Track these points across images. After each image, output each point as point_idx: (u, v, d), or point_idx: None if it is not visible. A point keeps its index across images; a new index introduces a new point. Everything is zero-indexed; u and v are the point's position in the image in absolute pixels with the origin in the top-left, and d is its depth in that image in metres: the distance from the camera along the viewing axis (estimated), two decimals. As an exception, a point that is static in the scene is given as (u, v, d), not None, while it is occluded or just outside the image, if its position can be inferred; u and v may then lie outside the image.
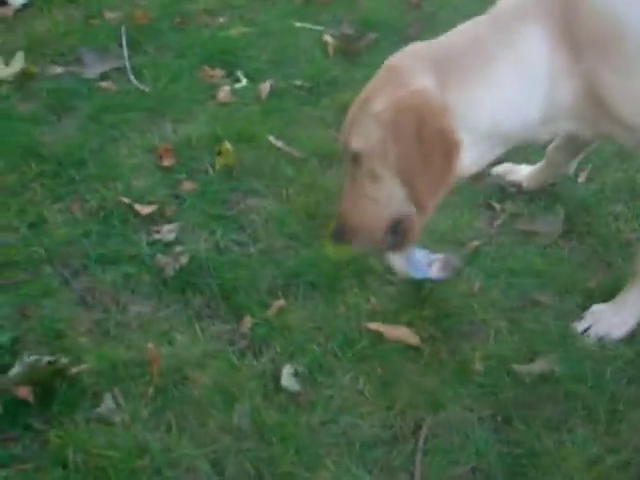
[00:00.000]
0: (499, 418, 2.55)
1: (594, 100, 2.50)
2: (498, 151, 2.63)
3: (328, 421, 2.52)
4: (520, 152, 3.38)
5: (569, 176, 3.49)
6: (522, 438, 2.47)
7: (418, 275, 2.86)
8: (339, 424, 2.51)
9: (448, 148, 2.42)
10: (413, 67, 2.48)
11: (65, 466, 2.32)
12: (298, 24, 4.51)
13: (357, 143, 2.50)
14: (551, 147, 3.30)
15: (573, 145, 3.24)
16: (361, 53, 4.25)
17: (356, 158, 2.52)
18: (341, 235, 2.66)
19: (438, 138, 2.41)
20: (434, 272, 2.88)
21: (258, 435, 2.46)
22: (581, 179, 3.51)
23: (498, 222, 3.28)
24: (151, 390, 2.55)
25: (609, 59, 2.46)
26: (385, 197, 2.57)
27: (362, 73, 3.99)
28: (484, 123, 2.50)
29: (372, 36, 4.42)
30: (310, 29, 4.47)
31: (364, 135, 2.50)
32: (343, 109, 3.56)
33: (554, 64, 2.48)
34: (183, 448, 2.40)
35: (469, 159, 2.51)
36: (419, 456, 2.43)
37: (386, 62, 2.57)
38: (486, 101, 2.48)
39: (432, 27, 4.38)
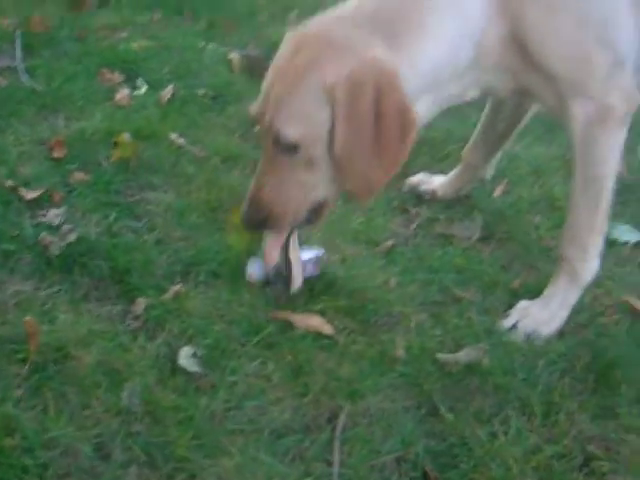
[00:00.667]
0: (424, 409, 2.31)
1: (519, 45, 2.37)
2: (436, 108, 2.47)
3: (232, 407, 2.23)
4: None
5: (484, 189, 3.33)
6: (451, 429, 2.24)
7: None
8: (244, 410, 2.22)
9: (406, 125, 2.22)
10: (357, 36, 2.24)
11: None
12: (202, 43, 4.27)
13: (294, 131, 2.22)
14: (467, 148, 3.15)
15: (490, 140, 3.11)
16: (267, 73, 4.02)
17: (289, 147, 2.26)
18: (257, 222, 2.42)
19: (396, 114, 2.20)
20: (309, 271, 2.63)
21: (150, 418, 2.15)
22: (497, 193, 3.35)
23: (414, 225, 3.09)
24: (26, 368, 2.20)
25: None
26: (315, 182, 2.35)
27: (269, 90, 3.80)
28: (428, 76, 2.34)
29: (280, 59, 4.20)
30: (215, 49, 4.24)
31: (303, 119, 2.23)
32: (248, 120, 3.41)
33: (484, 6, 2.35)
34: (61, 429, 2.03)
35: (421, 109, 2.35)
36: (337, 444, 2.15)
37: (312, 31, 2.31)
38: (429, 53, 2.33)
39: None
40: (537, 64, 2.40)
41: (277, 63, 2.33)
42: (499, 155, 3.19)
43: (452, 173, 3.25)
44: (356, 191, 2.35)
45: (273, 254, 2.50)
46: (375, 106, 2.17)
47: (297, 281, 2.57)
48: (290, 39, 2.35)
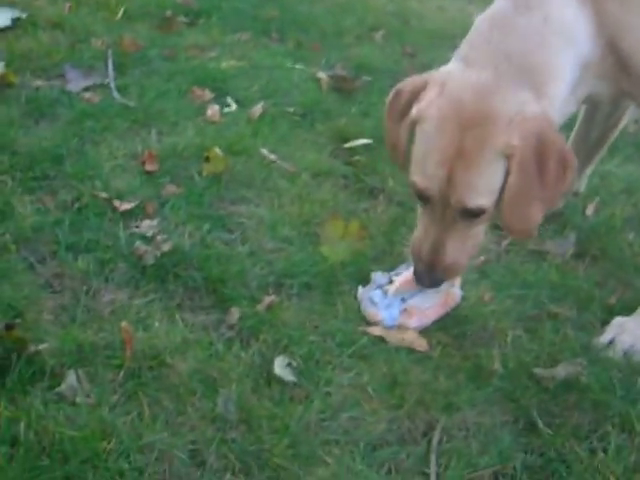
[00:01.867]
0: (522, 423, 2.28)
1: (617, 53, 2.37)
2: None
3: (327, 417, 2.22)
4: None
5: (576, 207, 3.28)
6: (549, 445, 2.20)
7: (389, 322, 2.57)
8: (339, 421, 2.21)
9: (565, 166, 2.27)
10: (510, 100, 2.25)
11: (14, 443, 1.95)
12: (290, 63, 4.29)
13: (485, 201, 2.28)
14: None
15: (583, 151, 3.06)
16: (356, 91, 4.05)
17: (473, 213, 2.30)
18: (440, 280, 2.45)
19: (558, 161, 2.24)
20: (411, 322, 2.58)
21: (245, 425, 2.15)
22: (589, 210, 3.29)
23: (506, 241, 3.01)
24: (122, 374, 2.22)
25: (628, 9, 2.35)
26: (484, 231, 2.43)
27: (357, 108, 3.85)
28: (559, 112, 2.39)
29: (366, 78, 4.22)
30: (303, 69, 4.26)
31: (490, 191, 2.27)
32: (338, 136, 3.42)
33: (587, 29, 2.35)
34: (156, 434, 2.04)
35: None
36: (434, 457, 2.13)
37: (467, 111, 2.24)
38: (562, 94, 2.36)
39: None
40: (635, 69, 2.38)
41: (445, 143, 2.25)
42: (591, 169, 3.15)
43: None
44: (516, 231, 2.39)
45: None
46: (541, 154, 2.22)
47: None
48: (446, 110, 2.27)
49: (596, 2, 2.33)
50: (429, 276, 2.41)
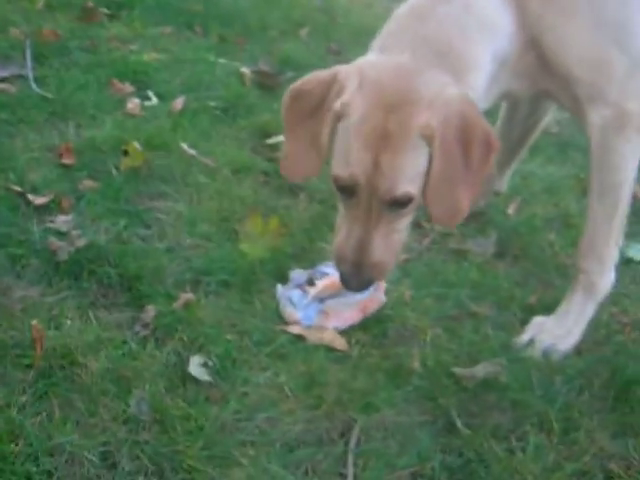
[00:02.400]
0: (440, 423, 2.25)
1: (538, 50, 2.36)
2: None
3: (243, 418, 2.17)
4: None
5: (498, 207, 3.28)
6: (468, 445, 2.18)
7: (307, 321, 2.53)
8: (255, 421, 2.16)
9: (489, 149, 2.21)
10: (431, 82, 2.20)
11: None
12: (213, 57, 4.23)
13: (412, 188, 2.19)
14: None
15: (505, 150, 3.04)
16: (279, 87, 3.99)
17: (406, 202, 2.21)
18: (369, 281, 2.29)
19: (482, 139, 2.19)
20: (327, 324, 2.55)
21: (159, 426, 2.09)
22: (511, 210, 3.31)
23: (428, 240, 3.00)
24: (32, 373, 2.14)
25: (555, 2, 2.34)
26: (409, 222, 2.31)
27: (280, 104, 3.76)
28: (483, 93, 2.36)
29: (290, 74, 4.17)
30: (226, 63, 4.20)
31: (417, 175, 2.19)
32: (260, 132, 3.38)
33: (510, 22, 2.34)
34: (66, 436, 1.97)
35: None
36: (351, 458, 2.10)
37: (382, 84, 2.19)
38: (481, 83, 2.34)
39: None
40: (555, 68, 2.38)
41: (368, 128, 2.17)
42: (513, 169, 3.16)
43: None
44: (443, 218, 2.29)
45: None
46: (464, 136, 2.17)
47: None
48: (369, 97, 2.19)
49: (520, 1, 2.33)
50: (357, 278, 2.27)
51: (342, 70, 2.23)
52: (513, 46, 2.36)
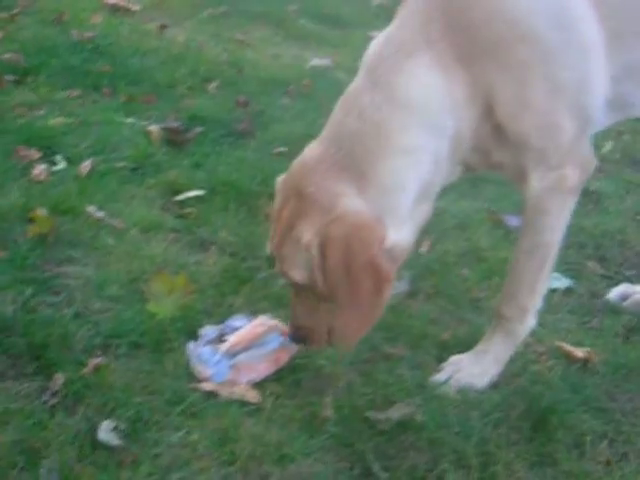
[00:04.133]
0: (357, 469, 2.27)
1: (492, 123, 2.31)
2: (429, 210, 2.42)
3: None
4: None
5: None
6: (385, 488, 2.15)
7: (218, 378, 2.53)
8: (169, 482, 2.11)
9: (378, 282, 2.23)
10: (326, 186, 2.23)
11: None
12: (121, 117, 4.24)
13: (294, 274, 2.30)
14: None
15: None
16: (187, 143, 4.02)
17: (298, 285, 2.34)
18: (302, 341, 2.49)
19: (367, 271, 2.20)
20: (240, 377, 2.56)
21: (70, 496, 2.03)
22: (423, 248, 3.34)
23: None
24: (-64, 452, 2.08)
25: (508, 67, 2.25)
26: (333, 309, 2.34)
27: (189, 160, 3.83)
28: (410, 196, 2.30)
29: (199, 129, 4.20)
30: (134, 122, 4.21)
31: (297, 267, 2.29)
32: (169, 189, 3.39)
33: (452, 99, 2.26)
34: (-25, 515, 1.94)
35: (410, 234, 2.36)
36: (267, 512, 2.06)
37: (292, 181, 2.31)
38: (403, 176, 2.28)
39: (260, 123, 4.28)
40: (510, 137, 2.33)
41: (275, 210, 2.36)
42: None
43: None
44: (341, 335, 2.38)
45: None
46: (347, 265, 2.20)
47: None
48: (280, 184, 2.38)
49: (469, 69, 2.24)
50: (293, 333, 2.48)
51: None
52: (463, 125, 2.29)
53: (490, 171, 2.64)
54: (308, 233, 2.20)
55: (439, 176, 2.35)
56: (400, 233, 2.29)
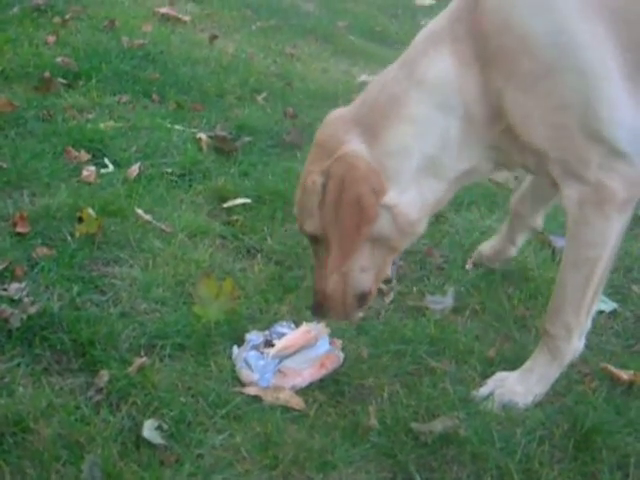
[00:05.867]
0: (400, 479, 2.24)
1: (506, 125, 2.37)
2: (438, 190, 2.49)
3: (198, 480, 2.10)
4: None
5: (456, 262, 3.30)
6: (427, 500, 2.13)
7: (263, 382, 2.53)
8: (211, 484, 2.10)
9: (360, 219, 2.36)
10: (337, 135, 2.45)
11: None
12: (170, 124, 4.26)
13: (307, 225, 2.51)
14: (515, 197, 3.17)
15: (539, 187, 3.04)
16: (235, 152, 4.03)
17: (312, 239, 2.54)
18: (320, 311, 2.60)
19: (354, 208, 2.35)
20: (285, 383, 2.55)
21: (112, 492, 2.02)
22: (469, 265, 3.31)
23: (387, 299, 3.03)
24: (-18, 442, 2.09)
25: (514, 76, 2.32)
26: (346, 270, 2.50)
27: (237, 169, 3.83)
28: (413, 163, 2.42)
29: (247, 139, 4.21)
30: (183, 130, 4.23)
31: (310, 215, 2.48)
32: (217, 196, 3.39)
33: (465, 88, 2.37)
34: (18, 505, 1.94)
35: (413, 204, 2.45)
36: (308, 518, 2.04)
37: (315, 136, 2.56)
38: (409, 142, 2.41)
39: (308, 136, 4.26)
40: (524, 144, 2.38)
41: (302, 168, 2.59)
42: (551, 205, 3.15)
43: (503, 227, 3.25)
44: (331, 270, 2.48)
45: None
46: (338, 197, 2.35)
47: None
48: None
49: (483, 70, 2.35)
50: (313, 304, 2.61)
51: None
52: (475, 114, 2.39)
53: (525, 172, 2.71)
54: (315, 174, 2.41)
55: (449, 156, 2.44)
56: (402, 197, 2.42)
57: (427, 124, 2.41)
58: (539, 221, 3.18)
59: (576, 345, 2.57)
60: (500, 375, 2.62)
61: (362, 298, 2.58)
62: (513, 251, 3.23)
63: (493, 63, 2.34)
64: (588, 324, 2.63)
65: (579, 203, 2.39)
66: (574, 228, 2.44)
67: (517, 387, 2.57)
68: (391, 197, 2.41)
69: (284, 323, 2.70)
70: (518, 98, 2.33)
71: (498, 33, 2.33)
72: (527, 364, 2.62)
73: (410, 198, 2.44)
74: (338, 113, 2.54)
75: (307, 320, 2.73)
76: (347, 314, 2.61)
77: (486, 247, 3.28)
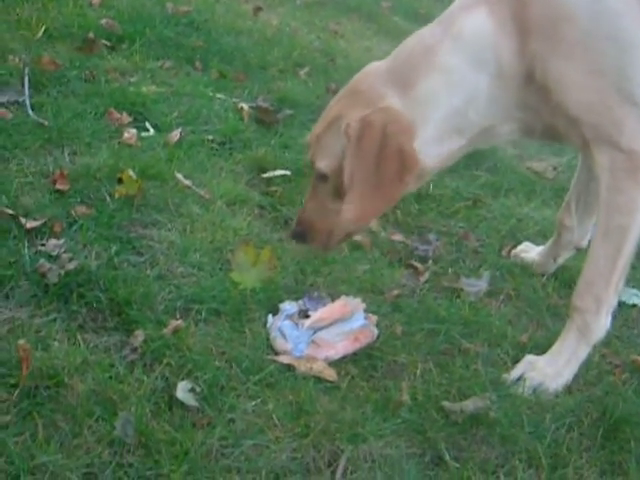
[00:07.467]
0: (428, 456, 2.24)
1: (539, 86, 2.41)
2: (456, 144, 2.54)
3: (229, 444, 2.15)
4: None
5: (492, 247, 3.28)
6: (456, 478, 2.17)
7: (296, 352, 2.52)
8: (241, 448, 2.14)
9: (403, 168, 2.41)
10: (375, 86, 2.51)
11: None
12: (212, 92, 4.24)
13: (322, 163, 2.56)
14: (560, 211, 3.15)
15: (583, 201, 3.06)
16: (277, 124, 4.02)
17: (320, 176, 2.58)
18: (301, 237, 2.71)
19: (396, 157, 2.40)
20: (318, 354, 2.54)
21: (143, 450, 2.07)
22: (505, 251, 3.30)
23: (422, 278, 3.01)
24: (17, 393, 2.11)
25: (555, 43, 2.36)
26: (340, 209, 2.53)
27: (277, 140, 3.82)
28: (440, 113, 2.47)
29: (288, 112, 4.19)
30: (224, 98, 4.21)
31: (329, 155, 2.54)
32: (256, 166, 3.38)
33: (500, 46, 2.42)
34: (49, 456, 1.95)
35: (430, 154, 2.49)
36: (337, 488, 2.03)
37: (350, 83, 2.63)
38: (439, 91, 2.47)
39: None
40: (558, 106, 2.40)
41: (328, 106, 2.66)
42: (594, 221, 3.04)
43: (549, 240, 3.22)
44: (347, 215, 2.49)
45: None
46: (380, 147, 2.39)
47: None
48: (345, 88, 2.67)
49: (520, 31, 2.40)
50: (294, 227, 2.75)
51: None
52: (508, 71, 2.44)
53: (552, 138, 2.71)
54: (352, 120, 2.43)
55: (474, 111, 2.49)
56: (424, 147, 2.47)
57: (458, 75, 2.46)
58: (584, 241, 3.13)
59: (603, 322, 2.56)
60: (530, 358, 2.61)
61: (348, 235, 2.72)
62: (552, 267, 3.20)
63: (531, 26, 2.39)
64: (615, 301, 2.59)
65: (611, 170, 2.41)
66: (606, 195, 2.46)
67: (547, 369, 2.57)
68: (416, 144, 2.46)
69: (318, 295, 2.68)
70: (555, 62, 2.38)
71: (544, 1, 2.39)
72: (555, 346, 2.62)
73: (429, 147, 2.49)
74: (376, 64, 2.63)
75: (342, 293, 2.70)
76: (329, 246, 2.72)
77: (527, 252, 3.28)
